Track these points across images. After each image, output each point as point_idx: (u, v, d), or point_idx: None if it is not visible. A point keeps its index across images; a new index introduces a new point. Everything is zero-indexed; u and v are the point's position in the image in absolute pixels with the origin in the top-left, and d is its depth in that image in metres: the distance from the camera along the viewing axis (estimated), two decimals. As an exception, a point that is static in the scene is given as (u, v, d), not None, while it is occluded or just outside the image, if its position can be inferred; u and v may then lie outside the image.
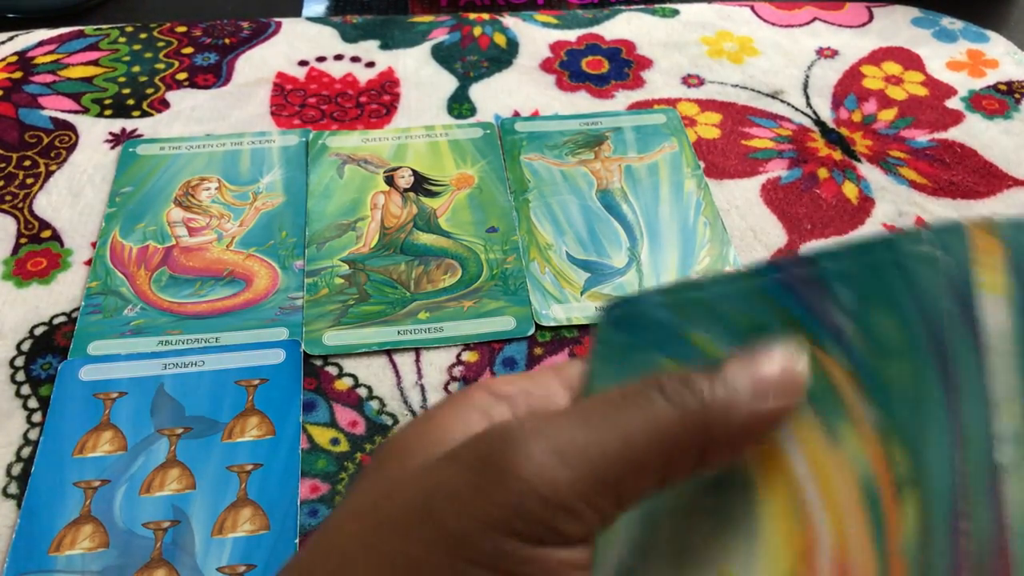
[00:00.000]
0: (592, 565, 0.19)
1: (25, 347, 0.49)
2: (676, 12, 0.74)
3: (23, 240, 0.55)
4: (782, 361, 0.20)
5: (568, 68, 0.69)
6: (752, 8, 0.75)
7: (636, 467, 0.19)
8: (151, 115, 0.63)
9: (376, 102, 0.65)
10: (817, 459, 0.20)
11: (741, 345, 0.20)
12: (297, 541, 0.42)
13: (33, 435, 0.45)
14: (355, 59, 0.69)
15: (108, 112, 0.63)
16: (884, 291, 0.20)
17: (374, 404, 0.47)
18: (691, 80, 0.68)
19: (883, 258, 0.20)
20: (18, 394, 0.47)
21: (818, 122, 0.65)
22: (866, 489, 0.19)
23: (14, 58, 0.67)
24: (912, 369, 0.19)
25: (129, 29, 0.71)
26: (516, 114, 0.64)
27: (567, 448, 0.19)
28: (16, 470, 0.44)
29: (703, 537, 0.20)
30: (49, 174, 0.59)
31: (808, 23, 0.74)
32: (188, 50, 0.69)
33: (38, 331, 0.50)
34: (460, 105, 0.65)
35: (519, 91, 0.66)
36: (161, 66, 0.67)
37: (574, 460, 0.18)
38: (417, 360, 0.49)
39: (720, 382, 0.20)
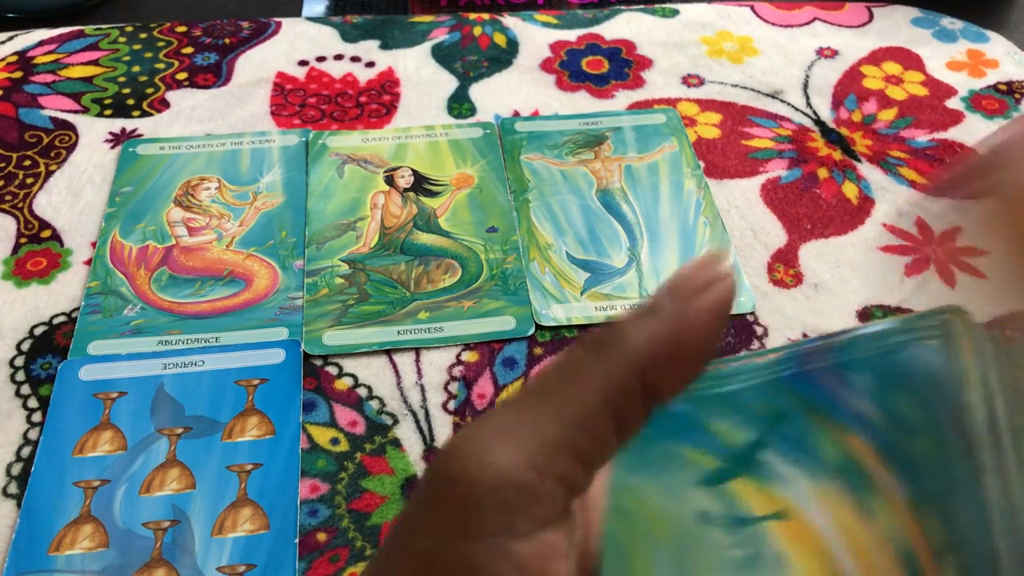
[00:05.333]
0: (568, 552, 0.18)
1: (25, 347, 0.49)
2: (676, 12, 0.74)
3: (23, 240, 0.55)
4: (706, 266, 0.19)
5: (568, 68, 0.69)
6: (752, 8, 0.75)
7: (580, 422, 0.18)
8: (151, 115, 0.63)
9: (376, 102, 0.65)
10: (851, 532, 0.20)
11: (765, 431, 0.21)
12: (297, 541, 0.42)
13: (33, 435, 0.45)
14: (355, 59, 0.69)
15: (108, 112, 0.63)
16: (900, 375, 0.20)
17: (374, 404, 0.47)
18: (691, 80, 0.68)
19: (896, 343, 0.20)
20: (18, 394, 0.47)
21: (818, 122, 0.65)
22: (904, 558, 0.19)
23: (14, 58, 0.67)
24: (936, 444, 0.20)
25: (129, 29, 0.71)
26: (516, 114, 0.64)
27: (505, 432, 0.18)
28: (16, 470, 0.44)
29: None
30: (49, 174, 0.59)
31: (808, 23, 0.74)
32: (188, 50, 0.69)
33: (38, 331, 0.50)
34: (460, 105, 0.65)
35: (519, 91, 0.66)
36: (161, 66, 0.67)
37: (513, 439, 0.17)
38: (417, 360, 0.49)
39: (639, 318, 0.19)
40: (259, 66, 0.68)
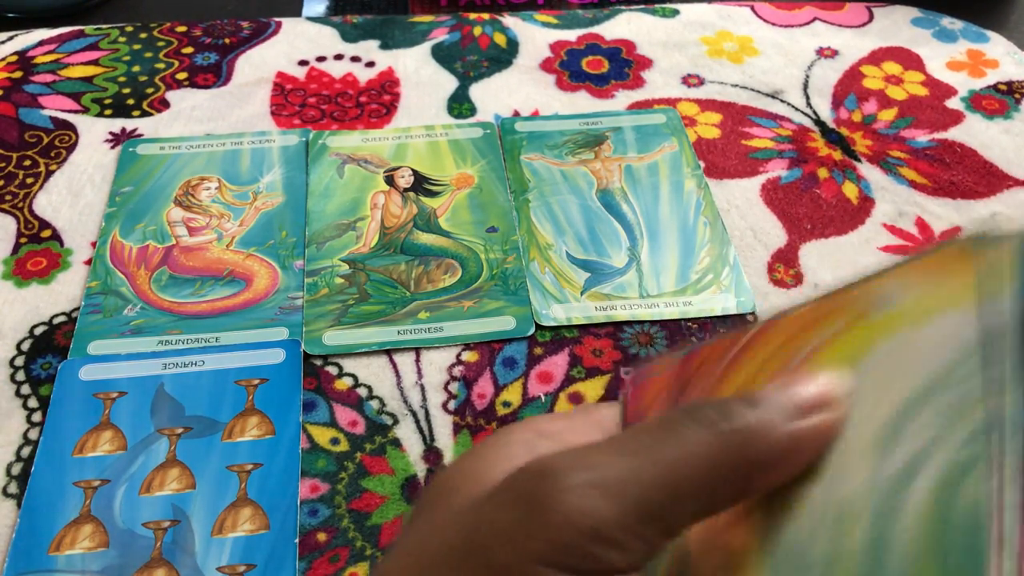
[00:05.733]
0: None
1: (25, 347, 0.49)
2: (676, 12, 0.74)
3: (23, 240, 0.55)
4: (820, 383, 0.20)
5: (568, 68, 0.69)
6: (752, 8, 0.75)
7: (677, 495, 0.19)
8: (151, 115, 0.63)
9: (376, 102, 0.65)
10: None
11: None
12: (297, 541, 0.42)
13: (33, 435, 0.45)
14: (355, 59, 0.69)
15: (108, 112, 0.63)
16: None
17: (374, 404, 0.47)
18: (691, 80, 0.68)
19: None
20: (18, 394, 0.47)
21: (818, 122, 0.65)
22: None
23: (14, 58, 0.67)
24: None
25: (129, 29, 0.71)
26: (516, 114, 0.64)
27: (606, 480, 0.19)
28: (16, 470, 0.44)
29: None
30: (49, 174, 0.59)
31: (808, 23, 0.74)
32: (188, 50, 0.69)
33: (38, 331, 0.50)
34: (460, 105, 0.65)
35: (519, 91, 0.66)
36: (161, 66, 0.67)
37: (614, 492, 0.18)
38: (417, 360, 0.49)
39: (756, 405, 0.20)
40: (259, 66, 0.68)
